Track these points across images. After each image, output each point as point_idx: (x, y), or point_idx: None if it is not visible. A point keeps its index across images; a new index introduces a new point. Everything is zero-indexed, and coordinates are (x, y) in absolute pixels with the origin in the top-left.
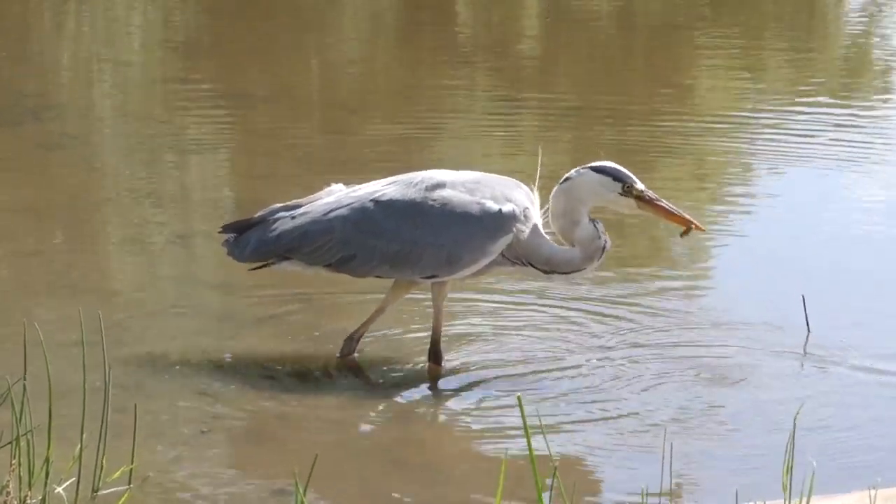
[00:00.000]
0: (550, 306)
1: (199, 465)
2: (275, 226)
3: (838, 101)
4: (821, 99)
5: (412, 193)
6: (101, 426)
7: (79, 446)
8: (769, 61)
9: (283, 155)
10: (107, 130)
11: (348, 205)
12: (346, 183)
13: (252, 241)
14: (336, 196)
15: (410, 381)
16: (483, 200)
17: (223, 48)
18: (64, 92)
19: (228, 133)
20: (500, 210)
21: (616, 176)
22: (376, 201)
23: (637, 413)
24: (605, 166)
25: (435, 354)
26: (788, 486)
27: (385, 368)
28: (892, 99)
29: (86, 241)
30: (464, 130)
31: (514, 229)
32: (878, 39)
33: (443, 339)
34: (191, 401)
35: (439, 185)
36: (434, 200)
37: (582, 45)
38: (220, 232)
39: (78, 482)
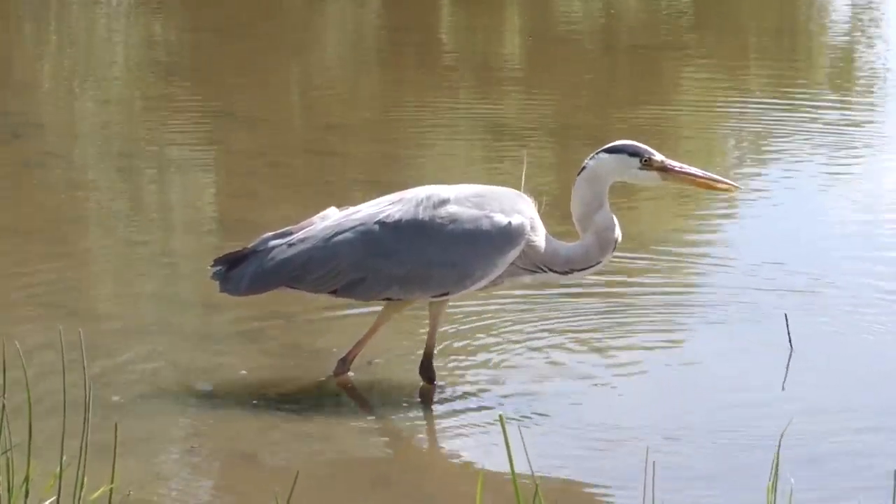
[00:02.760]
0: (538, 321)
1: (180, 483)
2: (271, 255)
3: (823, 119)
4: (805, 115)
5: (419, 212)
6: (82, 445)
7: (59, 465)
8: (752, 79)
9: (264, 174)
10: (88, 149)
11: (351, 228)
12: (339, 205)
13: (248, 273)
14: (334, 220)
15: (395, 398)
16: (492, 214)
17: (205, 67)
18: (45, 110)
19: (210, 152)
20: (510, 223)
21: (631, 151)
22: (382, 223)
23: (620, 429)
24: (617, 145)
25: (427, 369)
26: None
27: (370, 386)
28: (876, 113)
29: (66, 259)
30: (446, 150)
31: (524, 240)
32: (861, 55)
33: (435, 359)
34: (173, 419)
35: (445, 202)
36: (442, 218)
37: (564, 64)
38: (211, 266)
39: (58, 501)
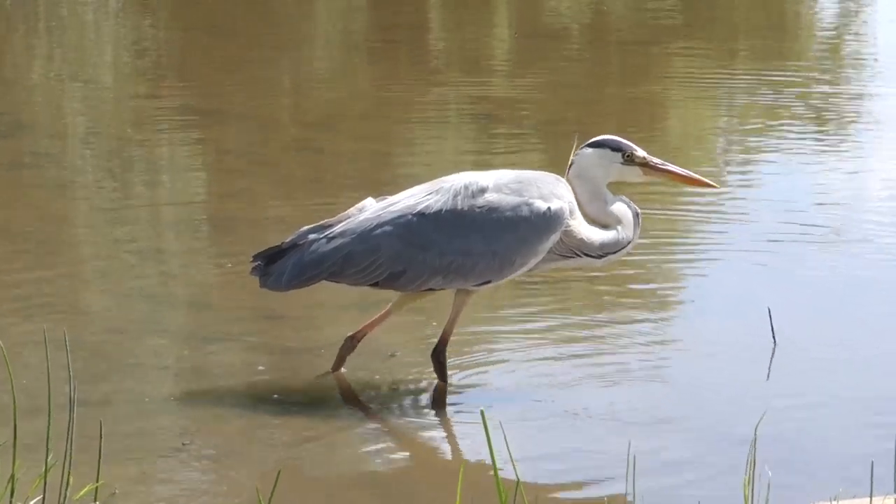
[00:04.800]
0: (522, 316)
1: (166, 482)
2: (311, 249)
3: (811, 115)
4: (794, 112)
5: (458, 202)
6: (67, 443)
7: (44, 464)
8: (741, 75)
9: (254, 172)
10: (77, 148)
11: (391, 220)
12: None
13: (288, 268)
14: (372, 212)
15: (383, 397)
16: (532, 201)
17: (194, 66)
18: (34, 110)
19: (199, 150)
20: (550, 208)
21: (613, 146)
22: (422, 214)
23: (602, 424)
24: (600, 139)
25: (439, 354)
26: (750, 497)
27: (357, 384)
28: (866, 110)
29: (55, 259)
30: (435, 146)
31: (563, 225)
32: (849, 50)
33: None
34: (161, 418)
35: (483, 190)
36: (481, 207)
37: (553, 60)
38: (250, 261)
39: (44, 500)
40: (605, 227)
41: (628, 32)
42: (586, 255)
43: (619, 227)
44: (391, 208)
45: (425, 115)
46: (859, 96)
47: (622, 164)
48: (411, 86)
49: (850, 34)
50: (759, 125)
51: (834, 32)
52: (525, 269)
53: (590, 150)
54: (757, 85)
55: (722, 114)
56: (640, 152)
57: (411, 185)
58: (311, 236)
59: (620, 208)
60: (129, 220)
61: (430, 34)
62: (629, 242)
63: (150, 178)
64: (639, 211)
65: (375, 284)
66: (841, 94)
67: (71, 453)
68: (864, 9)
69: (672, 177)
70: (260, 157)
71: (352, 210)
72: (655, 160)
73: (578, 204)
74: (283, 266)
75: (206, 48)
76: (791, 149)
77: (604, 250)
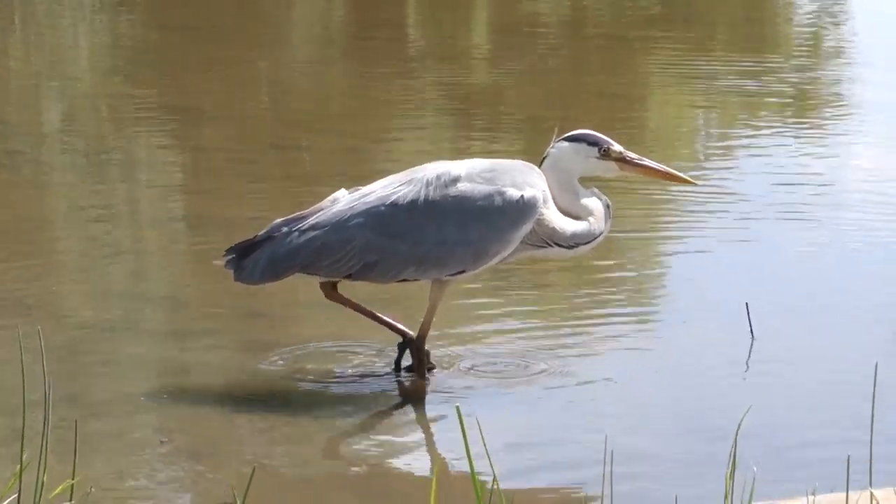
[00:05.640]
0: (510, 316)
1: (142, 480)
2: (284, 242)
3: (790, 113)
4: (772, 110)
5: (430, 192)
6: (42, 442)
7: (20, 463)
8: (720, 71)
9: (231, 170)
10: (54, 147)
11: (363, 211)
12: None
13: (263, 260)
14: (345, 203)
15: (361, 394)
16: (505, 189)
17: (170, 64)
18: (9, 109)
19: (176, 149)
20: (523, 196)
21: (589, 140)
22: (394, 204)
23: (580, 419)
24: (576, 133)
25: (418, 351)
26: (731, 492)
27: (336, 382)
28: (843, 107)
29: (31, 257)
30: (413, 144)
31: (537, 213)
32: (828, 49)
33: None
34: (138, 417)
35: (456, 179)
36: (454, 196)
37: (531, 57)
38: (223, 255)
39: (18, 499)
40: (576, 218)
41: (608, 27)
42: (557, 244)
43: (590, 219)
44: (364, 199)
45: (404, 111)
46: (837, 82)
47: (598, 158)
48: (390, 82)
49: (827, 22)
50: (738, 113)
51: (812, 21)
52: (499, 258)
53: (566, 143)
54: (735, 73)
55: (701, 102)
56: (617, 147)
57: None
58: (285, 229)
59: (591, 201)
60: (106, 218)
61: (408, 31)
62: (601, 233)
63: (127, 176)
64: (609, 203)
65: (350, 276)
66: (819, 80)
67: (46, 452)
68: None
69: (648, 172)
70: (238, 155)
71: (325, 202)
72: (632, 155)
73: (551, 195)
74: (256, 259)
75: (184, 46)
76: (771, 134)
77: (575, 240)
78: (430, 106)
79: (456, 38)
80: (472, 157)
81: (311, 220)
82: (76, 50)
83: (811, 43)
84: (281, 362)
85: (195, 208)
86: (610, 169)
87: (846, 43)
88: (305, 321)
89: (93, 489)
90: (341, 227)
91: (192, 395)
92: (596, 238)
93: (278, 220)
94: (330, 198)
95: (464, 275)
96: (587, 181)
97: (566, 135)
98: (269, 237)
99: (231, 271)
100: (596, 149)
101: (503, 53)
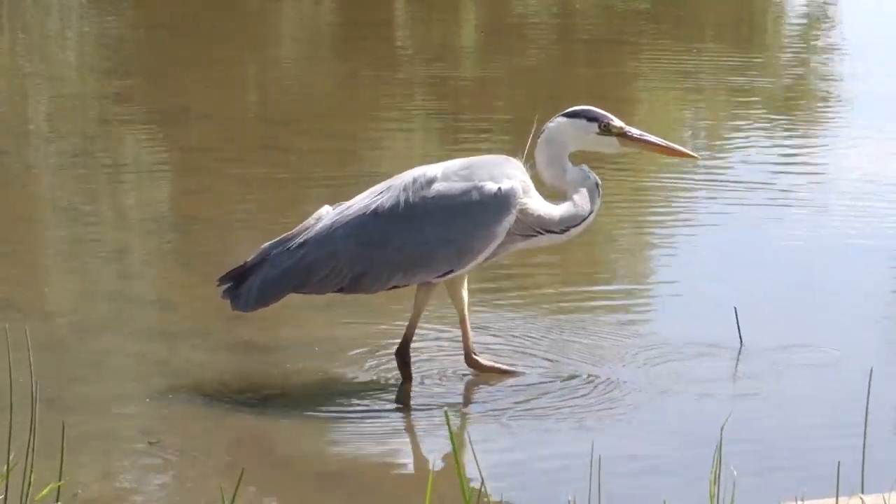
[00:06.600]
0: (496, 321)
1: (130, 481)
2: (274, 265)
3: (777, 116)
4: (759, 112)
5: (408, 196)
6: (29, 443)
7: (6, 464)
8: (709, 75)
9: (218, 171)
10: (40, 146)
11: (346, 223)
12: (326, 202)
13: (255, 287)
14: (329, 219)
15: (348, 396)
16: (481, 183)
17: (158, 64)
18: None
19: (163, 149)
20: (500, 188)
21: (589, 116)
22: (375, 212)
23: (567, 423)
24: (576, 109)
25: (402, 354)
26: (716, 498)
27: (323, 383)
28: (832, 111)
29: (18, 258)
30: (401, 144)
31: (517, 204)
32: (817, 58)
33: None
34: (124, 417)
35: (432, 181)
36: (432, 197)
37: (520, 59)
38: (217, 285)
39: (5, 500)
40: (562, 196)
41: (596, 29)
42: (548, 231)
43: (575, 198)
44: (346, 213)
45: (391, 112)
46: (827, 78)
47: (598, 134)
48: (377, 83)
49: (818, 18)
50: (729, 108)
51: (804, 17)
52: (486, 254)
53: (564, 119)
54: (724, 70)
55: (692, 97)
56: (617, 122)
57: (376, 183)
58: (273, 252)
59: (579, 176)
60: (93, 218)
61: (396, 31)
62: (590, 213)
63: (114, 176)
64: (599, 181)
65: (342, 290)
66: (810, 75)
67: (33, 453)
68: None
69: (650, 147)
70: (224, 156)
71: (309, 220)
72: (633, 130)
73: (538, 171)
74: (250, 286)
75: (171, 46)
76: (761, 126)
77: (564, 224)
78: (417, 106)
79: (443, 38)
80: (458, 156)
81: (298, 240)
82: (63, 49)
83: (802, 41)
84: (269, 363)
85: (183, 208)
86: (611, 144)
87: (837, 39)
88: (293, 322)
89: (80, 490)
90: (326, 242)
91: (180, 395)
92: (586, 219)
93: (266, 244)
94: (314, 215)
95: (452, 274)
96: (587, 159)
97: (565, 111)
98: (258, 262)
99: (227, 300)
100: (595, 124)
101: (491, 54)
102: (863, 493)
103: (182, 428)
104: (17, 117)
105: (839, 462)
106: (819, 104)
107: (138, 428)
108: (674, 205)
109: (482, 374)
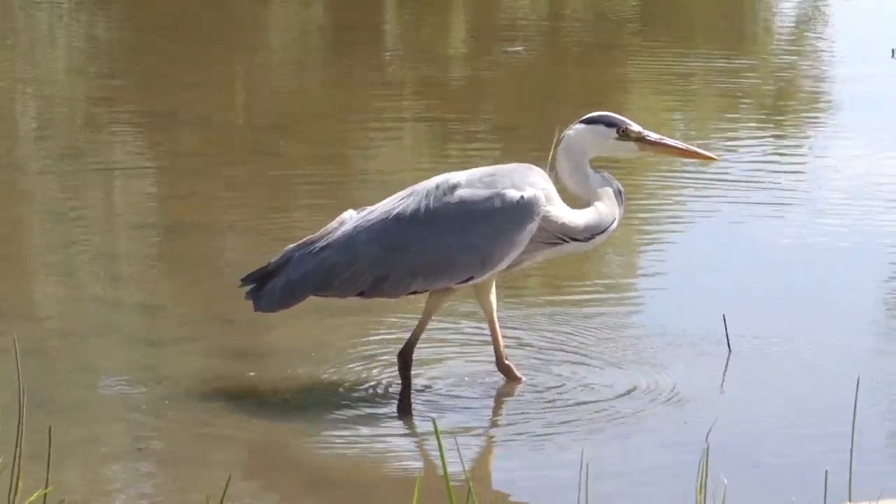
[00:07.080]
0: (481, 329)
1: (118, 487)
2: (297, 267)
3: (767, 124)
4: (749, 118)
5: (431, 202)
6: (16, 448)
7: None
8: (699, 82)
9: (208, 175)
10: (28, 150)
11: (369, 227)
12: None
13: (278, 288)
14: (351, 223)
15: (340, 401)
16: (504, 191)
17: (148, 67)
18: None
19: (153, 153)
20: (523, 196)
21: (607, 122)
22: (398, 217)
23: (554, 429)
24: (594, 115)
25: (405, 355)
26: None
27: (314, 388)
28: (821, 118)
29: (6, 262)
30: (392, 149)
31: (540, 212)
32: (808, 61)
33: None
34: (112, 423)
35: (455, 187)
36: (454, 203)
37: (510, 65)
38: (240, 286)
39: None
40: (585, 203)
41: (586, 34)
42: (573, 239)
43: (597, 204)
44: (368, 217)
45: (381, 117)
46: (817, 79)
47: (616, 139)
48: (368, 88)
49: (807, 21)
50: (719, 111)
51: (792, 20)
52: (507, 261)
53: (583, 126)
54: (714, 73)
55: (681, 101)
56: (635, 127)
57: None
58: (296, 254)
59: (602, 183)
60: (82, 222)
61: (386, 36)
62: (614, 220)
63: (103, 180)
64: (621, 188)
65: (362, 294)
66: (799, 77)
67: (20, 458)
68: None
69: (669, 150)
70: (214, 160)
71: (332, 224)
72: (651, 134)
73: (561, 179)
74: (273, 287)
75: (160, 49)
76: (751, 129)
77: (589, 231)
78: (407, 111)
79: (434, 43)
80: (448, 162)
81: (321, 243)
82: (52, 52)
83: (791, 41)
84: (258, 369)
85: (172, 213)
86: (630, 149)
87: (830, 40)
88: (283, 328)
89: (66, 497)
90: (348, 246)
91: (169, 401)
92: (610, 225)
93: (290, 247)
94: (338, 219)
95: (473, 281)
96: (604, 164)
97: (584, 117)
98: (281, 265)
99: (251, 301)
100: (614, 130)
101: (481, 59)
102: (850, 501)
103: (171, 434)
104: (4, 120)
105: (826, 471)
106: (812, 104)
107: (127, 434)
108: (664, 206)
109: (509, 382)
